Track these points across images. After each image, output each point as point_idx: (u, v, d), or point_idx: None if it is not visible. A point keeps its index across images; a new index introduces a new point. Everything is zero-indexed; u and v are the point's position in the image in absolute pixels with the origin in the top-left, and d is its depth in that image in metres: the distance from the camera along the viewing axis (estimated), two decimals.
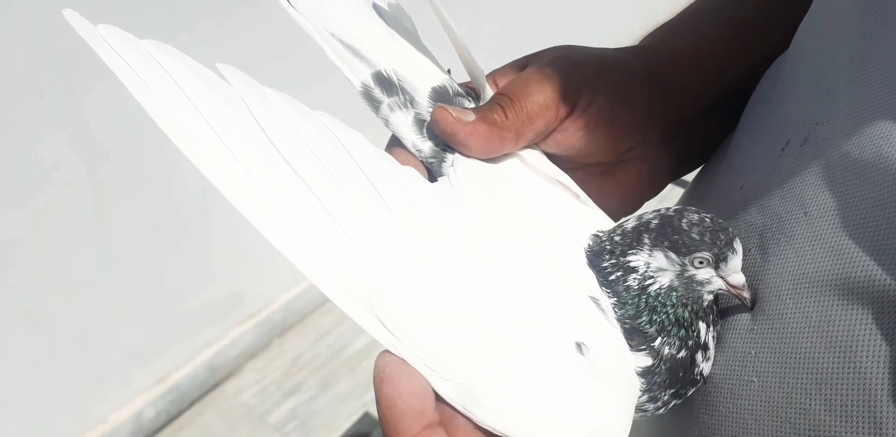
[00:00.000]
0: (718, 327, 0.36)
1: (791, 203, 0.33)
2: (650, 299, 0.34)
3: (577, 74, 0.39)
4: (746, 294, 0.34)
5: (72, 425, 1.26)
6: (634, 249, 0.34)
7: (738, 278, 0.34)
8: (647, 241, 0.34)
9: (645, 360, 0.34)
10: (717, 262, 0.34)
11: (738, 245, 0.34)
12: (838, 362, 0.30)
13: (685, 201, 0.45)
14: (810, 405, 0.31)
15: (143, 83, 0.31)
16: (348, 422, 1.37)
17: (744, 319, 0.35)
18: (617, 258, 0.35)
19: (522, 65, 0.41)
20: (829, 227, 0.31)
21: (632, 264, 0.34)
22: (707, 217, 0.34)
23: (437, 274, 0.32)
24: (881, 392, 0.28)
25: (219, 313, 1.41)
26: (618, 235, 0.35)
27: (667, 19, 0.46)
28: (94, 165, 1.10)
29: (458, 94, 0.39)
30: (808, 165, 0.33)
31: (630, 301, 0.34)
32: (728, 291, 0.34)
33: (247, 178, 0.31)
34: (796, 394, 0.31)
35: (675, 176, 0.44)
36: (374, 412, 1.39)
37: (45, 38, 0.94)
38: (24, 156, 1.01)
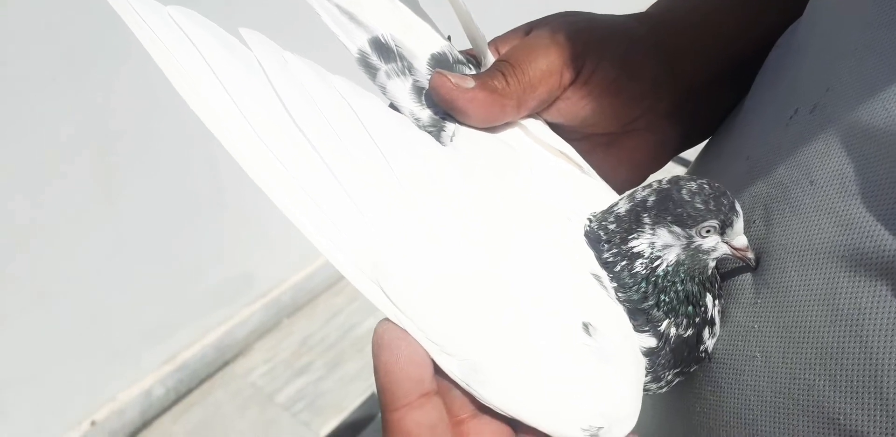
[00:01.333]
0: (723, 300, 0.35)
1: (797, 172, 0.32)
2: (659, 280, 0.33)
3: (582, 41, 0.37)
4: (750, 255, 0.33)
5: (83, 402, 1.27)
6: (635, 232, 0.33)
7: (742, 241, 0.33)
8: (647, 220, 0.33)
9: (649, 340, 0.33)
10: (724, 228, 0.33)
11: (738, 207, 0.33)
12: (844, 337, 0.29)
13: (693, 173, 0.44)
14: (814, 380, 0.30)
15: (167, 51, 0.31)
16: (356, 402, 1.37)
17: (748, 292, 0.33)
18: (618, 248, 0.33)
19: (526, 31, 0.39)
20: (837, 195, 0.30)
21: (636, 250, 0.33)
22: (704, 184, 0.33)
23: (444, 247, 0.31)
24: (889, 368, 0.27)
25: (229, 294, 1.41)
26: (611, 222, 0.34)
27: None
28: (105, 147, 1.10)
29: (458, 61, 0.38)
30: (815, 133, 0.32)
31: (636, 286, 0.33)
32: (733, 254, 0.33)
33: (261, 146, 0.31)
34: (800, 370, 0.30)
35: (681, 148, 0.43)
36: None
37: (55, 21, 0.94)
38: (35, 139, 1.01)
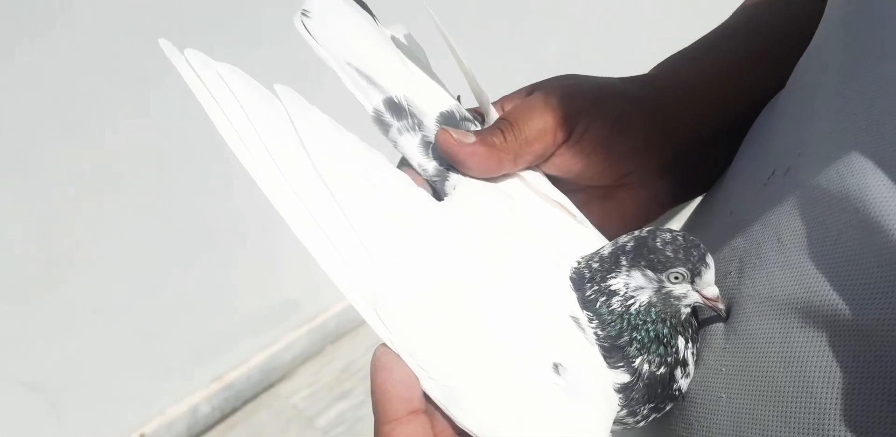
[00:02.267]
0: (698, 345, 0.38)
1: (768, 230, 0.35)
2: (632, 318, 0.36)
3: (577, 102, 0.41)
4: (721, 305, 0.36)
5: (134, 414, 1.33)
6: (613, 272, 0.37)
7: (712, 291, 0.36)
8: (624, 263, 0.36)
9: (623, 376, 0.36)
10: (693, 276, 0.36)
11: (709, 260, 0.36)
12: (794, 380, 0.31)
13: (687, 226, 0.47)
14: (768, 420, 0.32)
15: (213, 101, 0.36)
16: None
17: (719, 338, 0.36)
18: (598, 285, 0.37)
19: (529, 91, 0.43)
20: (798, 253, 0.33)
21: (612, 288, 0.36)
22: (679, 235, 0.36)
23: (434, 285, 0.35)
24: (831, 411, 0.30)
25: (276, 318, 1.47)
26: (595, 262, 0.37)
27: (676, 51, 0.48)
28: (161, 170, 1.18)
29: (464, 118, 0.42)
30: (786, 195, 0.35)
31: (613, 322, 0.36)
32: (704, 303, 0.36)
33: (287, 189, 0.36)
34: (757, 409, 0.33)
35: (674, 202, 0.46)
36: None
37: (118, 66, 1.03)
38: (96, 157, 1.10)
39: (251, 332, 1.44)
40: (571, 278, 0.37)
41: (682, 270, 0.36)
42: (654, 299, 0.36)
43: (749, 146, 0.42)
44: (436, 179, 0.40)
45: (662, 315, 0.36)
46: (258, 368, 1.45)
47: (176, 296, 1.29)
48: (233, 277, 1.36)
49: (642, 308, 0.36)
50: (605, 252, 0.37)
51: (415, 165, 0.41)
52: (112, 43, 1.02)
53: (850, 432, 0.29)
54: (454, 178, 0.40)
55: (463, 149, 0.39)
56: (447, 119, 0.41)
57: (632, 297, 0.36)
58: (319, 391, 1.48)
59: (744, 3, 0.51)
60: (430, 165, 0.40)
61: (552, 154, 0.41)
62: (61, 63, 1.01)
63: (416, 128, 0.40)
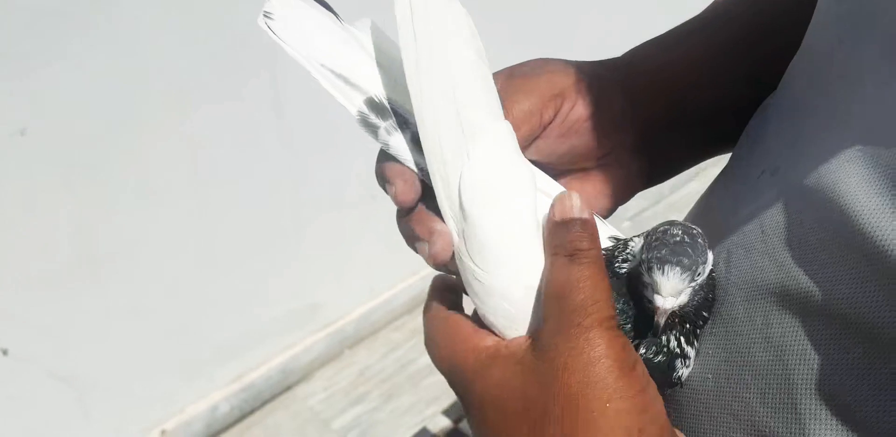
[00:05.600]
0: (697, 341, 0.39)
1: (754, 223, 0.38)
2: (623, 280, 0.38)
3: (558, 84, 0.42)
4: (659, 319, 0.36)
5: (156, 412, 1.37)
6: (639, 235, 0.39)
7: (658, 300, 0.36)
8: (647, 231, 0.38)
9: None
10: (647, 269, 0.36)
11: (670, 269, 0.35)
12: (772, 361, 0.34)
13: (689, 220, 0.49)
14: (749, 398, 0.35)
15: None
16: (407, 434, 1.43)
17: (707, 324, 0.39)
18: (632, 238, 0.39)
19: (507, 75, 0.43)
20: (779, 242, 0.35)
21: (629, 244, 0.39)
22: (681, 236, 0.36)
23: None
24: (802, 386, 0.33)
25: (296, 321, 1.50)
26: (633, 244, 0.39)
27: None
28: (195, 174, 1.22)
29: None
30: (772, 191, 0.38)
31: (629, 310, 0.38)
32: (652, 306, 0.36)
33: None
34: (740, 389, 0.36)
35: (648, 182, 0.47)
36: (431, 427, 1.44)
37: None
38: (134, 159, 1.14)
39: (272, 334, 1.47)
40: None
41: (644, 255, 0.36)
42: (633, 274, 0.38)
43: (744, 145, 0.44)
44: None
45: (639, 295, 0.37)
46: (277, 369, 1.48)
47: (202, 297, 1.33)
48: (258, 280, 1.40)
49: (626, 274, 0.38)
50: (640, 241, 0.39)
51: (411, 165, 0.40)
52: (152, 49, 1.08)
53: (820, 406, 0.32)
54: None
55: None
56: None
57: (628, 260, 0.38)
58: (336, 395, 1.51)
59: None
60: (424, 162, 0.39)
61: (537, 137, 0.42)
62: (103, 68, 1.06)
63: (404, 125, 0.40)
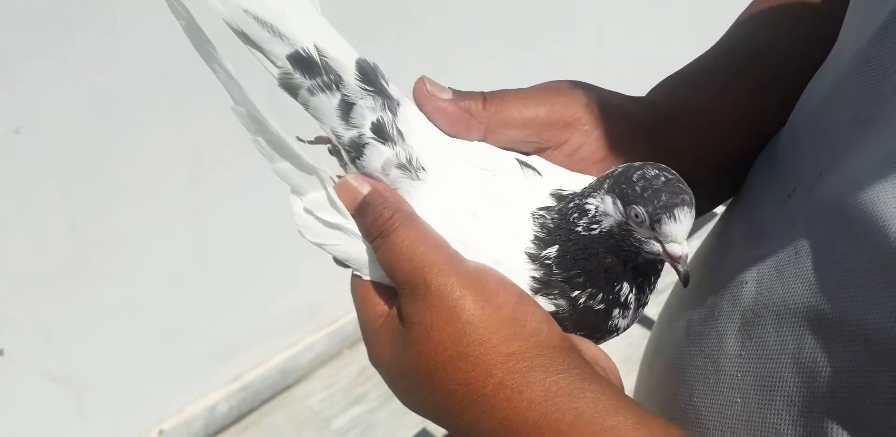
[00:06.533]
0: (647, 296, 0.37)
1: (787, 243, 0.37)
2: (588, 242, 0.35)
3: (578, 113, 0.40)
4: (681, 267, 0.34)
5: (154, 412, 1.36)
6: (595, 191, 0.36)
7: (676, 249, 0.34)
8: (605, 185, 0.36)
9: (548, 306, 0.36)
10: (652, 222, 0.34)
11: (680, 213, 0.33)
12: (803, 386, 0.33)
13: (710, 235, 0.48)
14: (781, 425, 0.34)
15: None
16: (407, 435, 1.42)
17: (735, 344, 0.38)
18: (580, 200, 0.36)
19: (544, 86, 0.42)
20: (813, 264, 0.34)
21: (586, 207, 0.36)
22: (665, 176, 0.34)
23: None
24: (835, 414, 0.32)
25: (296, 321, 1.49)
26: (596, 180, 0.37)
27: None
28: (195, 174, 1.21)
29: (382, 76, 0.37)
30: (806, 211, 0.37)
31: (570, 250, 0.35)
32: (664, 258, 0.34)
33: None
34: (770, 415, 0.35)
35: None
36: (431, 428, 1.43)
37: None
38: (132, 159, 1.13)
39: (271, 333, 1.46)
40: (541, 208, 0.37)
41: (640, 209, 0.34)
42: (616, 230, 0.35)
43: (766, 164, 0.43)
44: (351, 151, 0.37)
45: (617, 250, 0.35)
46: (276, 369, 1.47)
47: (199, 296, 1.31)
48: (256, 279, 1.38)
49: (601, 235, 0.35)
50: (604, 173, 0.37)
51: (328, 130, 0.37)
52: (150, 49, 1.06)
53: (853, 434, 0.31)
54: (372, 155, 0.37)
55: (432, 102, 0.38)
56: (364, 71, 0.36)
57: (597, 221, 0.35)
58: (335, 394, 1.50)
59: (739, 18, 0.51)
60: (347, 135, 0.36)
61: (542, 153, 0.41)
62: (102, 69, 1.04)
63: (335, 86, 0.36)
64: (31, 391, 1.19)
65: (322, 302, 1.51)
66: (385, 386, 0.37)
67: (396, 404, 1.46)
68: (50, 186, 1.09)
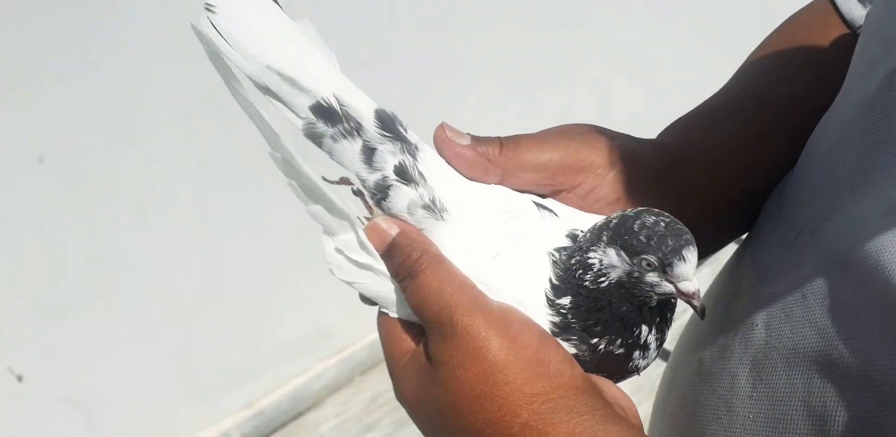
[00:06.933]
0: (664, 335, 0.38)
1: (794, 286, 0.38)
2: (599, 295, 0.36)
3: (591, 157, 0.41)
4: (696, 303, 0.35)
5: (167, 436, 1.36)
6: (594, 245, 0.36)
7: (688, 286, 0.35)
8: (604, 238, 0.36)
9: (570, 349, 0.37)
10: (664, 267, 0.35)
11: (687, 253, 0.35)
12: (813, 429, 0.34)
13: (720, 273, 0.49)
14: None
15: None
16: None
17: (746, 385, 0.39)
18: (581, 255, 0.37)
19: (558, 129, 0.43)
20: (820, 310, 0.35)
21: (589, 261, 0.36)
22: (664, 221, 0.36)
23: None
24: None
25: (307, 347, 1.50)
26: (588, 232, 0.38)
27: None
28: (208, 203, 1.23)
29: (399, 122, 0.39)
30: (811, 256, 0.38)
31: (584, 303, 0.37)
32: (679, 296, 0.36)
33: None
34: None
35: None
36: None
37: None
38: (146, 186, 1.15)
39: (283, 360, 1.47)
40: (558, 249, 0.38)
41: (651, 257, 0.35)
42: (625, 280, 0.36)
43: (774, 206, 0.44)
44: (376, 194, 0.38)
45: (630, 298, 0.36)
46: (288, 396, 1.47)
47: (212, 321, 1.33)
48: (268, 305, 1.40)
49: (611, 286, 0.36)
50: (597, 224, 0.38)
51: (352, 175, 0.38)
52: (162, 75, 1.08)
53: None
54: (397, 196, 0.38)
55: (451, 148, 0.39)
56: (383, 119, 0.38)
57: (604, 274, 0.36)
58: (347, 422, 1.50)
59: (747, 61, 0.52)
60: (371, 178, 0.38)
61: (555, 195, 0.42)
62: (120, 97, 1.07)
63: (355, 133, 0.38)
64: (46, 415, 1.20)
65: (333, 330, 1.52)
66: (397, 414, 0.38)
67: (408, 431, 1.47)
68: (67, 211, 1.11)
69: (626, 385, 0.38)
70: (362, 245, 0.38)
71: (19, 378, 1.15)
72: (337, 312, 1.50)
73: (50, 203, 1.09)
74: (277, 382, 1.47)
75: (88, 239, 1.15)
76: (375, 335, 1.55)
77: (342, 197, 0.38)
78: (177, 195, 1.20)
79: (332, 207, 0.37)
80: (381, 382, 1.56)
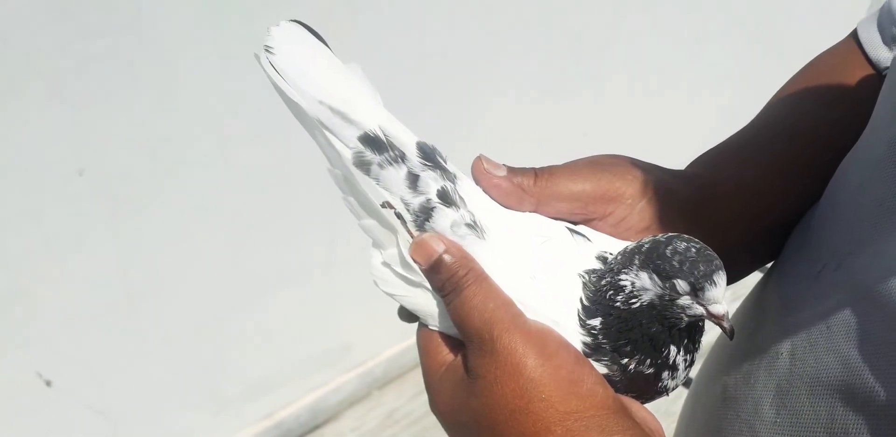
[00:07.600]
0: (693, 355, 0.40)
1: (819, 318, 0.39)
2: (630, 316, 0.38)
3: (623, 187, 0.43)
4: (726, 324, 0.37)
5: None
6: (626, 268, 0.38)
7: (719, 309, 0.37)
8: (636, 262, 0.38)
9: (600, 369, 0.39)
10: (696, 291, 0.37)
11: (718, 278, 0.37)
12: None
13: (744, 303, 0.51)
14: None
15: None
16: None
17: (770, 412, 0.40)
18: (612, 277, 0.39)
19: (588, 160, 0.45)
20: (844, 341, 0.37)
21: (621, 283, 0.38)
22: (694, 247, 0.37)
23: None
24: None
25: (327, 361, 1.52)
26: (620, 254, 0.39)
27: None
28: (236, 217, 1.26)
29: (438, 154, 0.42)
30: (837, 289, 0.39)
31: (614, 324, 0.38)
32: (709, 318, 0.38)
33: None
34: None
35: None
36: None
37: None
38: (179, 201, 1.18)
39: (303, 372, 1.49)
40: (588, 271, 0.40)
41: (682, 282, 0.37)
42: (657, 302, 0.38)
43: (800, 238, 0.46)
44: (420, 215, 0.41)
45: (661, 319, 0.38)
46: (307, 408, 1.49)
47: (236, 334, 1.35)
48: (291, 319, 1.42)
49: (643, 307, 0.38)
50: (629, 248, 0.39)
51: (397, 200, 0.41)
52: (194, 91, 1.12)
53: None
54: (440, 217, 0.40)
55: (488, 179, 0.41)
56: (424, 150, 0.41)
57: (636, 296, 0.38)
58: (364, 436, 1.51)
59: (777, 95, 0.54)
60: (415, 201, 0.40)
61: (588, 223, 0.44)
62: (160, 116, 1.10)
63: (400, 160, 0.40)
64: (73, 422, 1.23)
65: (353, 343, 1.54)
66: (413, 429, 0.39)
67: None
68: (103, 224, 1.14)
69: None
70: (404, 263, 0.40)
71: (48, 383, 1.17)
72: (357, 326, 1.52)
73: (88, 215, 1.12)
74: (296, 394, 1.49)
75: (122, 252, 1.18)
76: (394, 350, 1.60)
77: (391, 217, 0.40)
78: (208, 214, 1.22)
79: (383, 222, 0.40)
80: (398, 397, 1.57)
